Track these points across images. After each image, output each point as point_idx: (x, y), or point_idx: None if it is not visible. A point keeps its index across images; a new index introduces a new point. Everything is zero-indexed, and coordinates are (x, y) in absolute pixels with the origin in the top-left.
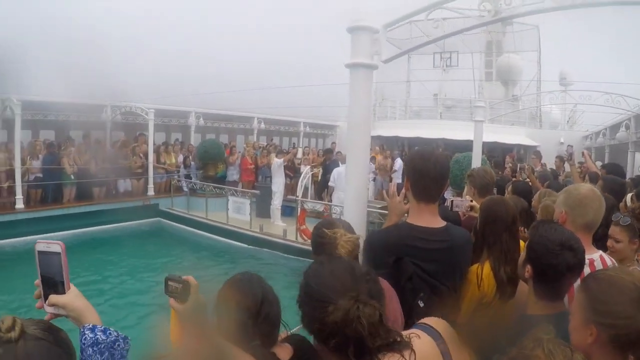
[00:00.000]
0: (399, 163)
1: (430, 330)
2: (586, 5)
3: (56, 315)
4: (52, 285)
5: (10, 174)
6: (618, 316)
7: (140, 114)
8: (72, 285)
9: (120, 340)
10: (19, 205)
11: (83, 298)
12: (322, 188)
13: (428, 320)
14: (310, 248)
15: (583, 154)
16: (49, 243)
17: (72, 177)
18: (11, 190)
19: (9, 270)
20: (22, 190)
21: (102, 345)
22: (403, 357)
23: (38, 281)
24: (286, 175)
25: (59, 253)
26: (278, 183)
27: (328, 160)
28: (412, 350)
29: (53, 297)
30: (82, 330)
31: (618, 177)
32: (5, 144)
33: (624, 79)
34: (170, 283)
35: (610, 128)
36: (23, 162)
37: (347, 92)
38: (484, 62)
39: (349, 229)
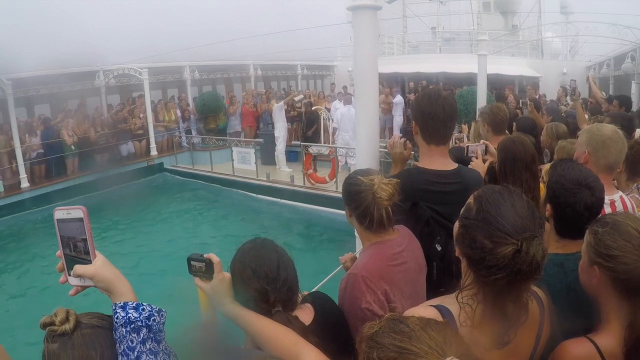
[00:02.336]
0: (398, 98)
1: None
2: None
3: (83, 288)
4: (76, 255)
5: (12, 155)
6: (619, 261)
7: (134, 75)
8: (98, 253)
9: (155, 314)
10: (25, 184)
11: (111, 266)
12: (306, 140)
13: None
14: (317, 192)
15: (588, 78)
16: (69, 209)
17: (73, 147)
18: (15, 171)
19: (21, 248)
20: (26, 169)
21: (137, 324)
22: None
23: (60, 252)
24: (287, 120)
25: (81, 219)
26: (280, 128)
27: (308, 113)
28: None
29: (79, 268)
30: (113, 308)
31: (626, 110)
32: (1, 125)
33: (629, 10)
34: (193, 263)
35: (614, 59)
36: (22, 141)
37: (352, 35)
38: None
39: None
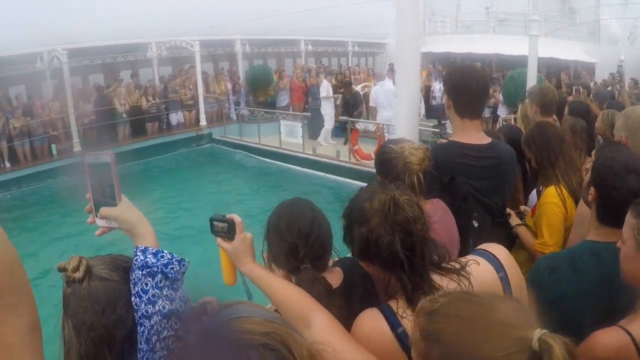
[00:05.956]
0: (437, 87)
1: (489, 257)
2: None
3: (109, 229)
4: (104, 198)
5: (66, 121)
6: None
7: (185, 47)
8: (124, 197)
9: (175, 263)
10: (77, 148)
11: (136, 210)
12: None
13: (487, 247)
14: (362, 168)
15: None
16: (99, 154)
17: (125, 115)
18: (68, 135)
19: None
20: (78, 134)
21: (153, 269)
22: (460, 284)
23: (89, 195)
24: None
25: (109, 163)
26: (325, 106)
27: (348, 95)
28: (469, 279)
29: (104, 210)
30: (134, 250)
31: None
32: (57, 93)
33: None
34: (215, 223)
35: None
36: (76, 108)
37: (395, 5)
38: None
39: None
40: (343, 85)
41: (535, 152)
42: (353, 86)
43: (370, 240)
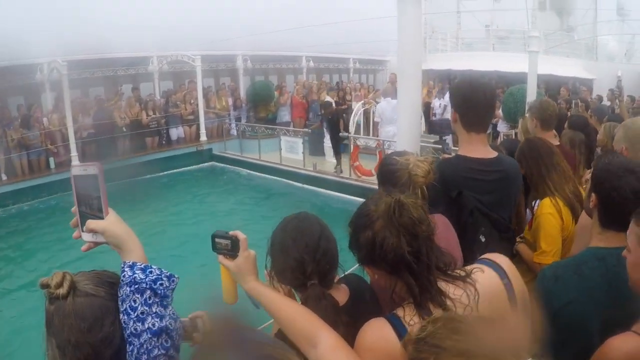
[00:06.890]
0: (437, 104)
1: (493, 265)
2: None
3: (96, 244)
4: (90, 212)
5: (65, 134)
6: None
7: (187, 62)
8: (111, 210)
9: (164, 279)
10: (75, 162)
11: (123, 223)
12: (336, 143)
13: (490, 256)
14: (363, 184)
15: None
16: (86, 166)
17: (124, 129)
18: (67, 149)
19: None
20: (77, 148)
21: (142, 285)
22: (466, 291)
23: (75, 208)
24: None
25: (96, 175)
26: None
27: (330, 115)
28: (475, 286)
29: (91, 223)
30: (122, 266)
31: None
32: (56, 105)
33: None
34: (218, 240)
35: None
36: (75, 121)
37: (396, 21)
38: None
39: None
40: (322, 107)
41: (526, 168)
42: (354, 102)
43: (375, 244)
